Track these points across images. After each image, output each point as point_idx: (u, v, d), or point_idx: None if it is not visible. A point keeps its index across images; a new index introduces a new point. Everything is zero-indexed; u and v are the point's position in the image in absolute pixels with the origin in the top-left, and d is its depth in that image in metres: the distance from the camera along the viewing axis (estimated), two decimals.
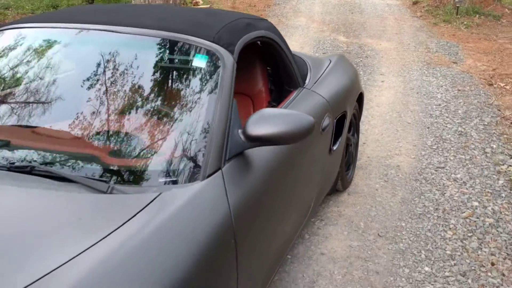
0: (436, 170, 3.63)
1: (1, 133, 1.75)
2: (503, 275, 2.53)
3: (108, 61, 1.90)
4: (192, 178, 1.50)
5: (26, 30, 2.16)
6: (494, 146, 4.05)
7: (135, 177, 1.52)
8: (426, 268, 2.54)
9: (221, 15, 2.27)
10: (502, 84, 5.88)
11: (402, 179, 3.50)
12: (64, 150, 1.63)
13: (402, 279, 2.45)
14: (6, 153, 1.58)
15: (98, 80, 1.86)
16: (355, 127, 3.33)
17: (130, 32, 1.95)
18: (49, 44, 2.07)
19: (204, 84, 1.79)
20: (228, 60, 1.85)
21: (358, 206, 3.13)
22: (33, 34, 2.12)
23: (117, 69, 1.86)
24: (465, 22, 9.48)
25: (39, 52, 2.02)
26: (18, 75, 1.99)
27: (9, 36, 2.13)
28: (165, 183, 1.48)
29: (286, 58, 2.41)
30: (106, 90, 1.79)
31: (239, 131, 1.67)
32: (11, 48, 2.10)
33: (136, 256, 1.19)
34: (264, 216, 1.76)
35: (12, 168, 1.47)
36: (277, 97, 2.57)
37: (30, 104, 1.83)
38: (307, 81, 2.61)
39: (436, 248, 2.72)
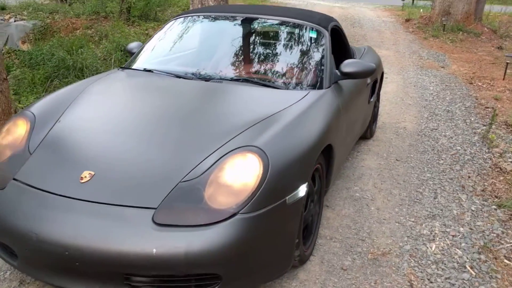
0: (431, 130, 5.19)
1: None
2: (475, 182, 4.05)
3: (254, 33, 3.43)
4: (321, 87, 3.00)
5: (201, 16, 3.66)
6: (472, 119, 5.63)
7: (299, 86, 3.02)
8: (428, 175, 4.06)
9: (313, 11, 3.81)
10: (479, 83, 7.50)
11: (408, 134, 5.04)
12: (254, 77, 3.13)
13: (414, 179, 3.96)
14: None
15: (246, 40, 3.39)
16: (377, 94, 4.86)
17: (267, 17, 3.48)
18: (217, 23, 3.60)
19: (317, 45, 3.31)
20: (326, 34, 3.37)
21: (381, 146, 4.65)
22: (200, 18, 3.64)
23: (266, 36, 3.39)
24: (450, 38, 11.18)
25: (218, 26, 3.54)
26: (206, 39, 3.51)
27: (183, 21, 3.64)
28: (311, 87, 2.99)
29: (346, 39, 3.95)
30: (264, 45, 3.32)
31: (336, 70, 3.19)
32: (194, 26, 3.62)
33: (307, 113, 2.66)
34: (345, 117, 3.23)
35: (231, 79, 2.98)
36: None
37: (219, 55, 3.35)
38: (355, 57, 4.14)
39: (434, 167, 4.24)
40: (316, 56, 3.23)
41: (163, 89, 2.95)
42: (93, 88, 2.93)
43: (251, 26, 3.54)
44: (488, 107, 6.16)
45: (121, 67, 3.41)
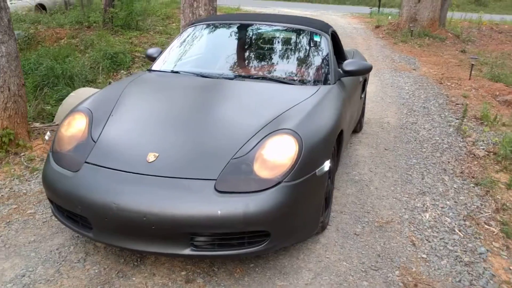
0: (412, 124, 5.79)
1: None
2: (454, 166, 4.64)
3: (266, 37, 3.93)
4: (329, 83, 3.52)
5: (211, 23, 4.13)
6: (446, 113, 6.28)
7: (311, 82, 3.52)
8: (414, 160, 4.64)
9: (312, 18, 4.34)
10: (448, 83, 8.21)
11: (392, 127, 5.63)
12: (271, 75, 3.61)
13: (403, 164, 4.52)
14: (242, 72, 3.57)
15: (260, 44, 3.88)
16: (365, 91, 5.43)
17: (276, 24, 3.98)
18: (231, 29, 4.08)
19: (321, 47, 3.83)
20: (327, 37, 3.90)
21: (369, 138, 5.21)
22: (216, 25, 4.12)
23: (278, 40, 3.90)
24: (418, 43, 11.97)
25: (233, 32, 4.02)
26: (219, 44, 3.98)
27: (201, 27, 4.11)
28: (321, 83, 3.49)
29: (341, 43, 4.49)
30: (277, 48, 3.82)
31: (339, 69, 3.72)
32: (210, 32, 4.08)
33: (322, 104, 3.16)
34: (348, 108, 3.75)
35: (252, 77, 3.46)
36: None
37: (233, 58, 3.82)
38: (348, 58, 4.69)
39: (418, 154, 4.82)
40: (322, 57, 3.75)
41: (196, 86, 3.41)
42: (132, 88, 3.35)
43: (263, 31, 4.04)
44: (458, 104, 6.83)
45: (148, 70, 3.83)
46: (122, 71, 9.02)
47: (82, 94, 7.15)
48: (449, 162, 4.69)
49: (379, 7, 20.91)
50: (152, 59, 4.09)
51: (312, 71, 3.67)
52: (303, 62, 3.80)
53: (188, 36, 4.09)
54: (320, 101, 3.12)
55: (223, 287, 2.57)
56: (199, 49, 4.02)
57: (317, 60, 3.76)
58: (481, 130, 5.64)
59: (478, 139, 5.33)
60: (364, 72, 3.70)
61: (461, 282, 2.78)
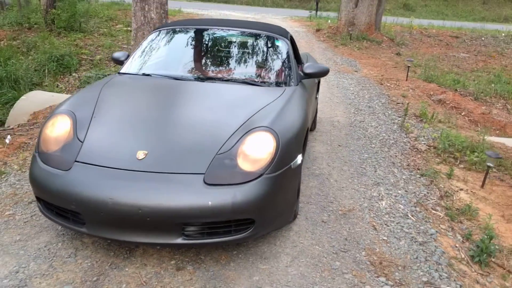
0: (360, 122, 6.24)
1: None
2: (401, 159, 5.10)
3: (231, 42, 4.17)
4: (292, 84, 3.81)
5: (177, 28, 4.33)
6: (389, 112, 6.80)
7: (276, 84, 3.78)
8: (366, 155, 5.05)
9: (271, 24, 4.63)
10: (388, 84, 8.81)
11: (342, 126, 6.04)
12: (241, 78, 3.85)
13: (356, 159, 4.92)
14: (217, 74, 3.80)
15: (227, 48, 4.12)
16: (318, 92, 5.80)
17: (239, 29, 4.24)
18: (197, 34, 4.29)
19: (282, 51, 4.13)
20: (288, 42, 4.21)
21: (323, 136, 5.58)
22: (182, 30, 4.32)
23: (239, 45, 4.15)
24: (357, 45, 12.64)
25: (199, 36, 4.23)
26: (186, 49, 4.18)
27: (168, 32, 4.29)
28: (285, 85, 3.78)
29: (297, 47, 4.82)
30: (239, 53, 4.08)
31: (300, 71, 4.03)
32: (175, 36, 4.27)
33: (290, 104, 3.44)
34: (309, 108, 4.06)
35: (223, 79, 3.69)
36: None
37: (205, 61, 4.04)
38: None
39: (368, 150, 5.24)
40: (285, 60, 4.05)
41: (171, 88, 3.59)
42: (108, 90, 3.48)
43: (228, 36, 4.27)
44: (399, 103, 7.40)
45: (118, 73, 3.96)
46: (74, 74, 8.90)
47: (34, 97, 7.06)
48: (396, 156, 5.15)
49: (316, 10, 21.69)
50: (119, 62, 4.21)
51: (277, 74, 3.96)
52: (268, 65, 4.08)
53: (154, 40, 4.25)
54: (287, 101, 3.41)
55: (212, 273, 2.79)
56: (167, 53, 4.19)
57: (280, 64, 4.06)
58: (421, 127, 6.19)
59: (420, 135, 5.85)
60: (322, 74, 4.03)
61: (417, 258, 3.16)
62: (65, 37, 11.13)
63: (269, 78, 3.92)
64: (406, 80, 9.07)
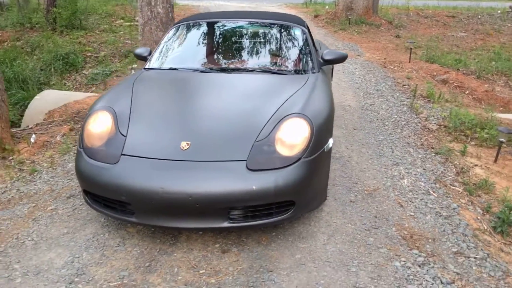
0: (370, 105, 6.40)
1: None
2: (415, 139, 5.27)
3: (254, 33, 4.31)
4: (315, 71, 3.96)
5: (196, 22, 4.46)
6: (397, 94, 6.96)
7: (300, 72, 3.92)
8: (381, 137, 5.22)
9: (288, 13, 4.77)
10: (391, 67, 8.96)
11: (354, 109, 6.20)
12: (267, 67, 3.99)
13: (372, 141, 5.09)
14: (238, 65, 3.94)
15: (249, 39, 4.26)
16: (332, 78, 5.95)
17: (258, 20, 4.38)
18: (218, 26, 4.42)
19: (303, 40, 4.27)
20: (306, 30, 4.35)
21: (337, 120, 5.74)
22: (202, 24, 4.45)
23: (261, 36, 4.29)
24: (356, 30, 12.76)
25: (221, 29, 4.36)
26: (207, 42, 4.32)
27: (187, 26, 4.43)
28: (308, 72, 3.93)
29: (313, 37, 4.96)
30: (262, 43, 4.21)
31: (320, 58, 4.18)
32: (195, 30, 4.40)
33: (316, 90, 3.59)
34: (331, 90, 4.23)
35: (249, 70, 3.84)
36: None
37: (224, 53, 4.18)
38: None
39: (383, 132, 5.41)
40: (306, 48, 4.20)
41: (200, 81, 3.73)
42: (139, 86, 3.62)
43: (250, 28, 4.41)
44: (405, 85, 7.56)
45: (145, 68, 4.09)
46: (81, 72, 9.02)
47: (47, 96, 7.19)
48: (409, 136, 5.32)
49: None
50: (142, 58, 4.34)
51: (299, 62, 4.10)
52: (290, 54, 4.23)
53: (175, 35, 4.39)
54: (313, 88, 3.56)
55: (256, 253, 2.97)
56: (190, 46, 4.32)
57: (302, 52, 4.20)
58: (430, 107, 6.35)
59: (429, 115, 6.01)
60: (341, 60, 4.18)
61: (445, 231, 3.35)
62: (67, 35, 11.21)
63: (293, 66, 4.07)
64: (409, 62, 9.22)
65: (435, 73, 8.54)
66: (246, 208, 2.83)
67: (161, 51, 4.24)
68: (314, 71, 3.96)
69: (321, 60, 4.16)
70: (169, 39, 4.36)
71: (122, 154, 2.94)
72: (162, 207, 2.76)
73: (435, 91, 6.91)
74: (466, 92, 7.87)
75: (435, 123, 5.76)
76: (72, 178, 4.09)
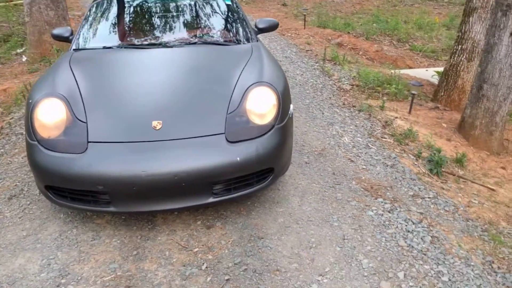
0: (286, 72, 6.59)
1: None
2: (336, 100, 5.59)
3: (185, 5, 4.19)
4: (254, 40, 3.99)
5: None
6: (306, 59, 7.26)
7: (242, 42, 3.90)
8: (307, 101, 5.44)
9: None
10: (289, 34, 9.26)
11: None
12: (208, 39, 3.91)
13: (301, 105, 5.29)
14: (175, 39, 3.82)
15: (182, 12, 4.15)
16: None
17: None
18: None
19: (236, 10, 4.25)
20: (235, 1, 4.34)
21: None
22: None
23: (193, 8, 4.18)
24: (244, 0, 12.86)
25: (148, 3, 4.15)
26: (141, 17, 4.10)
27: (109, 1, 4.16)
28: (249, 42, 3.94)
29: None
30: (196, 15, 4.12)
31: (254, 27, 4.21)
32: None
33: (265, 58, 3.62)
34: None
35: (191, 42, 3.75)
36: None
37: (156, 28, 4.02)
38: None
39: (307, 95, 5.64)
40: (241, 18, 4.19)
41: (144, 57, 3.53)
42: (78, 67, 3.34)
43: (177, 0, 4.26)
44: (308, 50, 7.89)
45: (74, 50, 3.76)
46: None
47: None
48: (330, 98, 5.62)
49: None
50: (63, 39, 3.98)
51: (239, 32, 4.09)
52: (228, 24, 4.18)
53: (98, 11, 4.09)
54: (261, 56, 3.60)
55: (241, 224, 3.00)
56: (122, 22, 4.06)
57: (239, 21, 4.19)
58: (339, 69, 6.75)
59: (341, 77, 6.39)
60: (273, 28, 4.25)
61: (397, 178, 3.67)
62: None
63: (233, 36, 4.04)
64: (304, 28, 9.59)
65: (329, 37, 9.01)
66: (229, 181, 2.83)
67: (88, 29, 3.94)
68: (253, 40, 3.99)
69: (256, 29, 4.19)
70: (93, 16, 4.05)
71: (89, 142, 2.73)
72: (144, 192, 2.64)
73: (339, 54, 7.31)
74: (360, 53, 8.44)
75: (347, 84, 6.14)
76: (5, 178, 3.69)
